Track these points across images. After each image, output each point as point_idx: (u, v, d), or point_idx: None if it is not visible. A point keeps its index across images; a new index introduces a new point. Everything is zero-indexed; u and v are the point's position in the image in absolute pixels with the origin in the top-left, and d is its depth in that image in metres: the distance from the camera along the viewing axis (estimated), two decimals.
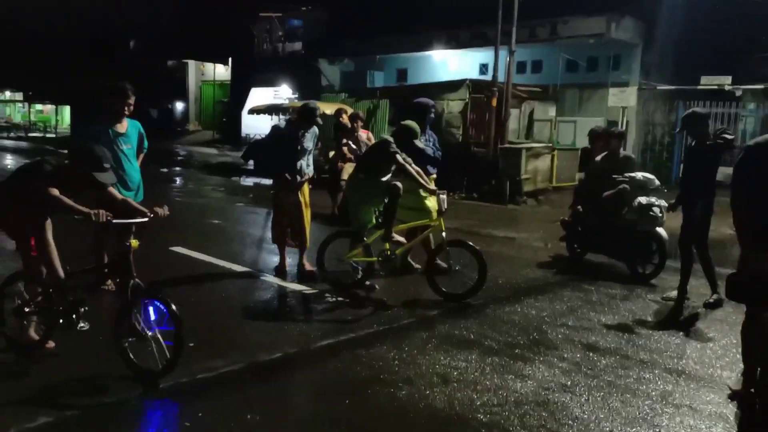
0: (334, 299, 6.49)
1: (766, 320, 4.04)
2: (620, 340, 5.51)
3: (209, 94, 39.84)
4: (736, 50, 16.17)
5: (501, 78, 16.38)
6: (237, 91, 34.16)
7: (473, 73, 22.37)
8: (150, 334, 4.30)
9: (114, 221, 4.44)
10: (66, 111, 47.54)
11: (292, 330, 5.51)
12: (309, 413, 4.07)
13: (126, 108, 6.09)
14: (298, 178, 7.09)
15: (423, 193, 6.81)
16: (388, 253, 6.66)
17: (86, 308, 4.71)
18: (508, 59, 16.22)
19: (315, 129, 7.17)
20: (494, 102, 16.24)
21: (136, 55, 41.18)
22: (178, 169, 22.36)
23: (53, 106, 47.87)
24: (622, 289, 7.19)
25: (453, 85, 17.83)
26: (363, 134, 10.84)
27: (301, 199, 7.18)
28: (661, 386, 4.57)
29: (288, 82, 30.80)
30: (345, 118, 11.13)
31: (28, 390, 4.17)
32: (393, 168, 6.67)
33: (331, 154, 11.67)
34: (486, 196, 14.97)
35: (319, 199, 12.61)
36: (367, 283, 6.78)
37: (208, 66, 40.00)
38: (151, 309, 4.33)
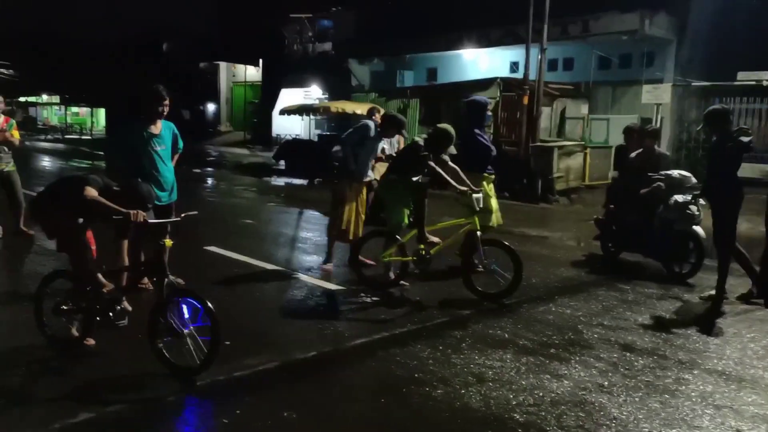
0: (368, 299, 6.50)
1: None
2: (657, 340, 5.43)
3: (240, 95, 40.23)
4: None
5: (532, 76, 16.26)
6: (268, 92, 34.45)
7: (504, 72, 22.26)
8: (186, 331, 4.36)
9: (150, 221, 4.52)
10: (101, 113, 48.44)
11: (327, 329, 5.53)
12: (344, 412, 4.08)
13: (162, 110, 6.15)
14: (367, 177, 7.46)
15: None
16: (423, 252, 6.64)
17: (124, 306, 4.78)
18: (539, 57, 16.09)
19: (392, 139, 7.42)
20: (525, 100, 16.14)
21: (169, 58, 41.77)
22: (210, 169, 22.61)
23: (89, 109, 48.77)
24: (658, 288, 7.08)
25: (484, 84, 17.78)
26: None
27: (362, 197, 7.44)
28: (701, 387, 4.49)
29: (318, 82, 30.97)
30: (377, 117, 11.12)
31: (69, 386, 4.24)
32: (425, 171, 6.68)
33: None
34: (518, 195, 14.86)
35: None
36: (402, 282, 6.78)
37: (239, 67, 40.42)
38: (186, 307, 4.38)
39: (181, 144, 6.55)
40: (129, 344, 4.86)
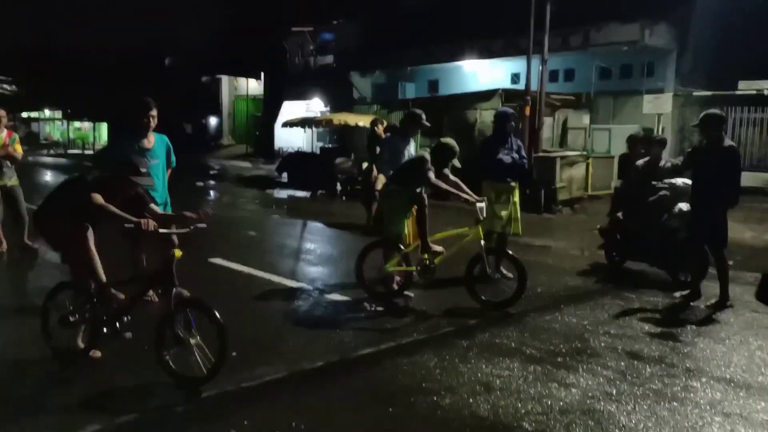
0: (374, 309, 6.49)
1: None
2: (664, 348, 5.42)
3: (242, 108, 40.37)
4: None
5: (534, 87, 16.31)
6: (270, 105, 34.58)
7: (505, 83, 22.34)
8: (193, 341, 4.36)
9: (160, 230, 4.53)
10: (104, 128, 48.58)
11: (334, 339, 5.53)
12: (353, 421, 4.07)
13: (149, 121, 6.04)
14: None
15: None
16: (427, 262, 6.64)
17: (130, 317, 4.79)
18: (540, 68, 16.15)
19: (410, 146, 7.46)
20: (527, 111, 16.16)
21: (171, 72, 41.96)
22: (213, 182, 22.65)
23: (91, 124, 48.92)
24: (663, 296, 7.07)
25: (485, 95, 17.80)
26: None
27: None
28: (710, 394, 4.47)
29: (320, 95, 31.09)
30: (380, 129, 11.17)
31: (75, 398, 4.23)
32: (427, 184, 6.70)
33: (365, 165, 11.72)
34: (521, 205, 14.80)
35: (353, 210, 12.70)
36: (407, 292, 6.77)
37: (242, 81, 40.58)
38: (193, 316, 4.39)
39: (173, 158, 6.49)
40: (134, 355, 4.84)
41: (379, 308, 6.49)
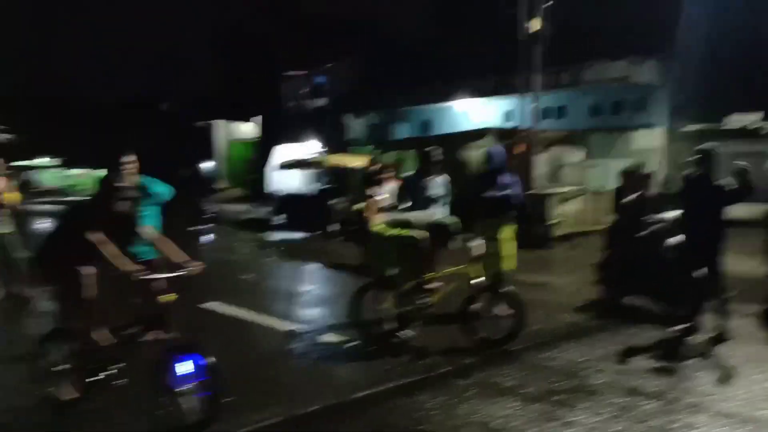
0: (370, 349, 6.43)
1: None
2: (665, 384, 5.37)
3: (238, 152, 40.53)
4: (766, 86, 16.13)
5: (527, 124, 16.47)
6: (265, 149, 34.78)
7: (498, 121, 22.54)
8: (188, 387, 4.30)
9: (150, 276, 4.50)
10: (102, 174, 48.64)
11: (330, 381, 5.47)
12: None
13: (123, 168, 6.05)
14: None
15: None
16: (424, 301, 6.60)
17: (123, 363, 4.72)
18: (532, 106, 16.32)
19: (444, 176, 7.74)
20: (520, 148, 16.28)
21: (167, 117, 42.29)
22: (209, 226, 22.59)
23: (89, 170, 49.03)
24: (661, 331, 7.01)
25: (478, 134, 17.92)
26: (394, 184, 10.84)
27: None
28: (712, 430, 4.42)
29: (315, 136, 31.31)
30: (376, 167, 11.19)
31: None
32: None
33: (357, 206, 11.76)
34: (517, 242, 14.81)
35: (347, 250, 12.67)
36: (404, 332, 6.71)
37: (237, 124, 40.83)
38: (188, 362, 4.33)
39: (163, 191, 6.48)
40: (127, 401, 4.77)
41: (377, 348, 6.43)
